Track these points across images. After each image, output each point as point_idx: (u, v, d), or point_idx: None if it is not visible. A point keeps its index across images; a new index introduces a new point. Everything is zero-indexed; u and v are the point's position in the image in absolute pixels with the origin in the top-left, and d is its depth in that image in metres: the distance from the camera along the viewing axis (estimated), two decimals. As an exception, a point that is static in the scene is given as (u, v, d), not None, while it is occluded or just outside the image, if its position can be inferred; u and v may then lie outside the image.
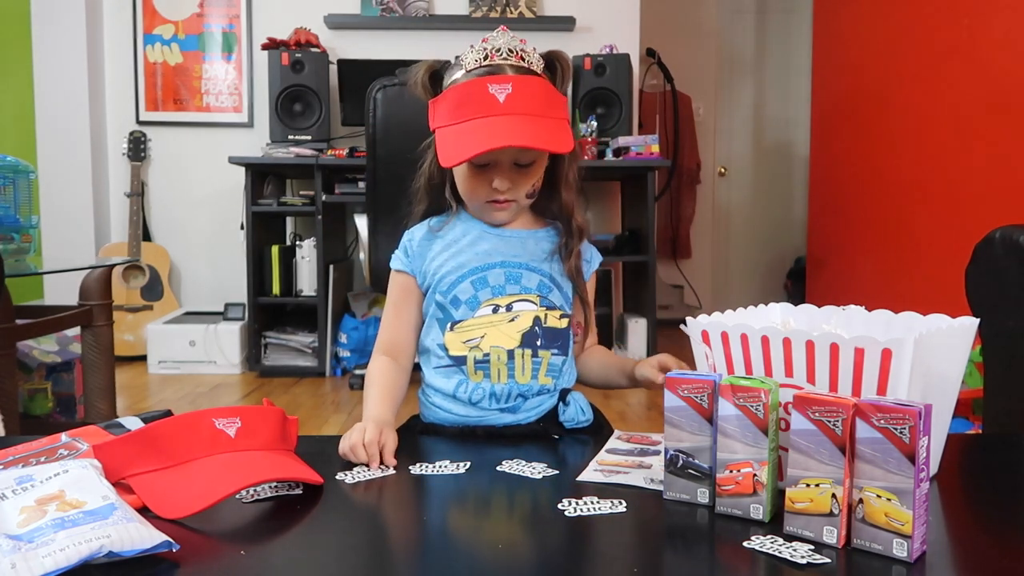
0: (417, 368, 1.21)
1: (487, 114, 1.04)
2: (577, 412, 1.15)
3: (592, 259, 1.23)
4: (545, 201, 1.19)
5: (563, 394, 1.15)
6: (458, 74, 1.10)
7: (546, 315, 1.13)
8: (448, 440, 1.10)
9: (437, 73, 1.14)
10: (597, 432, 1.16)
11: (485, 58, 1.08)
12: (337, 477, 0.88)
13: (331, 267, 3.61)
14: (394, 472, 0.90)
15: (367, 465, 0.92)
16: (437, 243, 1.18)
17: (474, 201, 1.16)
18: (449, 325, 1.13)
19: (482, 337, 1.11)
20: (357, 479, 0.88)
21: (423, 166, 1.20)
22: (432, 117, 1.11)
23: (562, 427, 1.14)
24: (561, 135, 1.07)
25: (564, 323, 1.15)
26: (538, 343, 1.12)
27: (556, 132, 1.06)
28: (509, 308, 1.12)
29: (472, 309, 1.12)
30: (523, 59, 1.09)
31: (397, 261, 1.20)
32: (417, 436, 1.17)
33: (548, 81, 1.12)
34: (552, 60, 1.14)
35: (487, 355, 1.11)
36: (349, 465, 0.92)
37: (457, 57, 1.12)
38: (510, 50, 1.08)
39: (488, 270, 1.13)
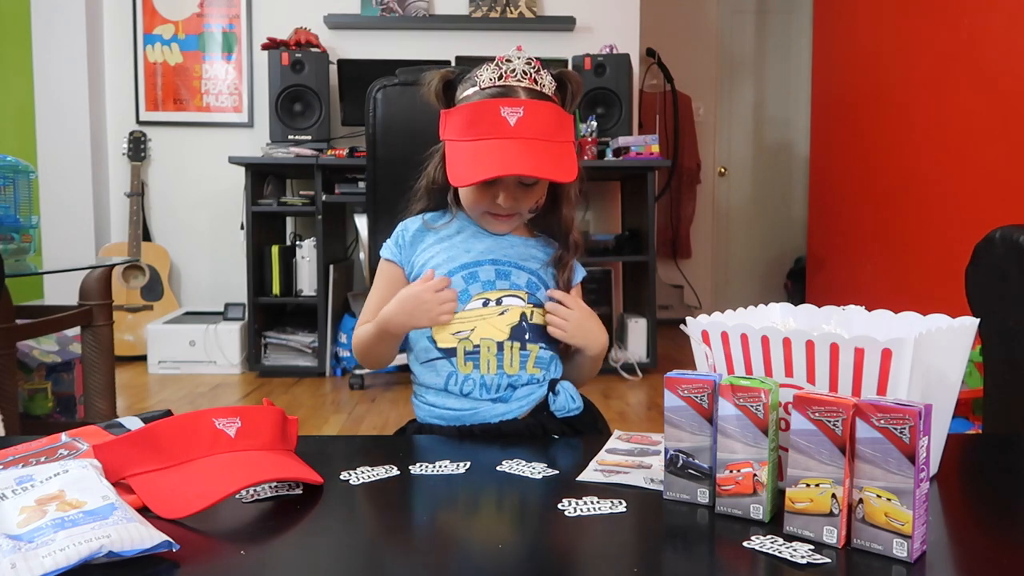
0: (407, 370, 1.23)
1: (498, 136, 1.08)
2: (567, 400, 1.16)
3: (576, 272, 1.24)
4: (544, 213, 1.21)
5: (552, 384, 1.16)
6: (472, 90, 1.13)
7: (532, 312, 1.15)
8: (447, 440, 1.10)
9: (451, 83, 1.17)
10: (590, 423, 1.18)
11: (500, 78, 1.11)
12: (341, 477, 0.88)
13: (331, 267, 3.61)
14: (396, 472, 0.90)
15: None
16: (430, 236, 1.20)
17: (476, 211, 1.18)
18: None
19: (472, 330, 1.13)
20: (360, 479, 0.88)
21: (426, 168, 1.22)
22: (443, 127, 1.14)
23: (553, 416, 1.15)
24: (567, 162, 1.10)
25: None
26: (526, 337, 1.14)
27: (562, 159, 1.09)
28: (499, 302, 1.15)
29: (463, 302, 1.14)
30: (536, 82, 1.12)
31: (387, 250, 1.23)
32: (416, 438, 1.18)
33: (558, 104, 1.14)
34: (563, 80, 1.16)
35: (477, 347, 1.13)
36: (350, 465, 0.92)
37: (472, 71, 1.15)
38: (524, 72, 1.11)
39: (479, 266, 1.16)
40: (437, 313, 1.10)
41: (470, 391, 1.13)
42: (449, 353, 1.14)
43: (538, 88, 1.12)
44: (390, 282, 1.21)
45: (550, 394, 1.16)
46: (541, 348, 1.15)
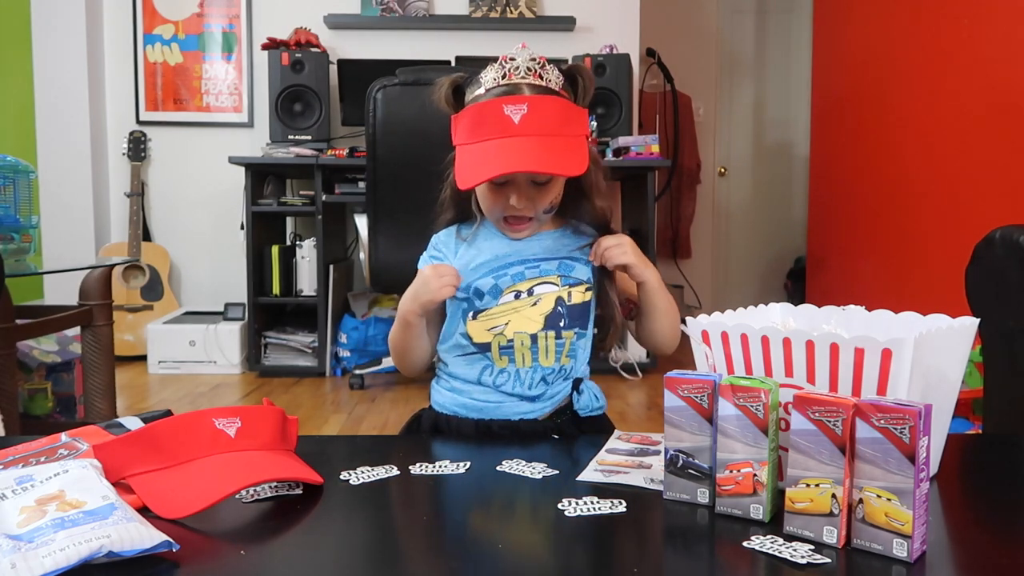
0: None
1: (502, 135, 1.05)
2: (591, 399, 1.17)
3: None
4: (575, 208, 1.19)
5: (576, 383, 1.16)
6: (478, 92, 1.12)
7: (570, 293, 1.15)
8: (448, 440, 1.11)
9: (460, 87, 1.15)
10: (605, 426, 1.18)
11: (503, 76, 1.10)
12: (341, 477, 0.88)
13: (331, 267, 3.61)
14: (396, 472, 0.90)
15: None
16: (462, 246, 1.20)
17: (492, 216, 1.17)
18: (471, 314, 1.14)
19: (506, 324, 1.13)
20: (360, 479, 0.88)
21: (449, 177, 1.21)
22: (454, 133, 1.12)
23: (575, 418, 1.16)
24: (573, 156, 1.07)
25: (590, 296, 1.16)
26: (561, 323, 1.14)
27: (568, 153, 1.07)
28: (531, 292, 1.14)
29: (495, 298, 1.14)
30: (541, 77, 1.10)
31: (423, 264, 1.22)
32: (417, 434, 1.18)
33: (565, 98, 1.12)
34: (574, 74, 1.14)
35: (511, 341, 1.13)
36: (350, 465, 0.92)
37: (479, 73, 1.13)
38: (528, 68, 1.09)
39: (508, 267, 1.16)
40: (438, 286, 1.09)
41: (503, 384, 1.13)
42: (484, 348, 1.14)
43: (543, 83, 1.10)
44: None
45: (574, 393, 1.16)
46: (576, 333, 1.15)
